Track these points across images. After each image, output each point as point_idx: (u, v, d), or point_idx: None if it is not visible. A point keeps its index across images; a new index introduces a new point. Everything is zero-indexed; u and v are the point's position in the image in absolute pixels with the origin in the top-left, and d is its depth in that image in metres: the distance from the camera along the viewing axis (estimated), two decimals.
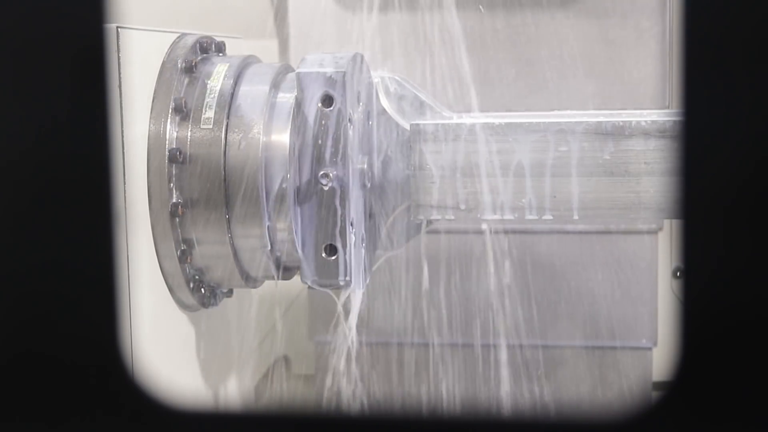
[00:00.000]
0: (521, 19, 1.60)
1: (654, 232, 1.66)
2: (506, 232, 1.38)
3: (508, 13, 1.60)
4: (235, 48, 1.30)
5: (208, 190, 1.10)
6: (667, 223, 1.67)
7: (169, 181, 1.09)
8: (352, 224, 1.09)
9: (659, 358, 1.66)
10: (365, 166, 1.13)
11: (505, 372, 1.51)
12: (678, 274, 1.71)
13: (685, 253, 0.56)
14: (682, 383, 0.57)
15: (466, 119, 1.18)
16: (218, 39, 1.23)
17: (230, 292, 1.24)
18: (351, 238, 1.09)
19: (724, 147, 0.56)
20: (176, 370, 1.18)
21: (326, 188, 1.08)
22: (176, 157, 1.09)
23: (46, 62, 0.61)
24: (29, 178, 0.62)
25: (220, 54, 1.22)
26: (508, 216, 1.16)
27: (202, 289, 1.16)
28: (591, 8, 1.62)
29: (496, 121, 1.16)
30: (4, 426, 0.64)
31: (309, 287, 1.12)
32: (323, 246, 1.09)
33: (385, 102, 1.19)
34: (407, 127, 1.18)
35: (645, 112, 1.16)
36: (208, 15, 1.52)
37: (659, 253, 1.67)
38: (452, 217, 1.17)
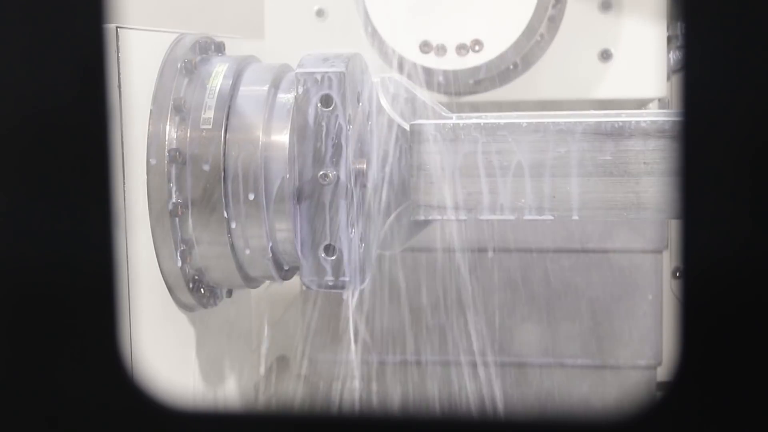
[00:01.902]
0: None
1: (653, 368, 1.65)
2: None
3: None
4: (235, 48, 1.30)
5: (207, 190, 1.10)
6: (666, 358, 1.67)
7: (169, 182, 1.09)
8: (351, 224, 1.09)
9: None
10: (365, 166, 1.13)
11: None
12: (678, 274, 1.71)
13: (685, 253, 0.56)
14: (682, 384, 0.57)
15: (466, 120, 1.18)
16: (218, 39, 1.23)
17: (230, 293, 1.24)
18: (350, 239, 1.09)
19: (724, 147, 0.56)
20: (176, 370, 1.18)
21: (326, 188, 1.08)
22: (176, 158, 1.09)
23: (45, 62, 0.61)
24: (28, 178, 0.62)
25: (220, 54, 1.22)
26: (507, 216, 1.16)
27: (202, 290, 1.16)
28: None
29: (496, 121, 1.16)
30: (2, 426, 0.64)
31: (308, 287, 1.12)
32: (322, 246, 1.09)
33: (384, 102, 1.19)
34: (407, 127, 1.18)
35: (644, 112, 1.17)
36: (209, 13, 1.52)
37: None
38: (452, 217, 1.17)
